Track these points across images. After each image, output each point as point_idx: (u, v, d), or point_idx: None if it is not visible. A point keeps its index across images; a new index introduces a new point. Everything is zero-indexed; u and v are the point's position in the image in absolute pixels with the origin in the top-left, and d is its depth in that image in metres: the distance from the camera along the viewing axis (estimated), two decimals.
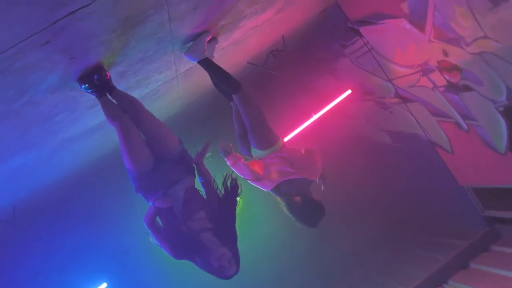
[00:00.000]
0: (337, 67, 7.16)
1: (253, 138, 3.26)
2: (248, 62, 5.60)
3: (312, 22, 5.98)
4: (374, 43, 5.77)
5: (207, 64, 3.23)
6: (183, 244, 2.63)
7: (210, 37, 3.27)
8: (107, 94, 2.79)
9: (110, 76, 2.75)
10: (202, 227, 2.66)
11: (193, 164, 2.96)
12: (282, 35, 5.50)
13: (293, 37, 6.00)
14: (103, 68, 2.66)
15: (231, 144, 3.29)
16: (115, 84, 2.81)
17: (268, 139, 3.26)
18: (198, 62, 3.23)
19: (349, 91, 6.90)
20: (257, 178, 3.14)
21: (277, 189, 3.22)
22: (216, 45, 3.56)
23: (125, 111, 2.78)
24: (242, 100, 3.20)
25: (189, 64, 3.90)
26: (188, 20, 2.83)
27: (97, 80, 2.66)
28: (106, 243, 6.52)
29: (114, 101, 2.83)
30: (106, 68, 2.69)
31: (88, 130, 3.75)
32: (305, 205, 3.17)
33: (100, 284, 6.42)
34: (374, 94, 6.71)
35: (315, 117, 6.53)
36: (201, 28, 3.16)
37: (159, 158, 2.79)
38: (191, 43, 3.22)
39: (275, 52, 5.99)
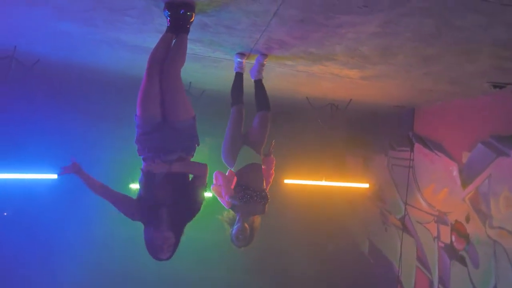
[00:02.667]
0: (373, 158, 7.11)
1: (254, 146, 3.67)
2: (307, 98, 5.60)
3: (383, 106, 5.96)
4: (417, 163, 5.72)
5: (261, 84, 3.81)
6: (142, 207, 2.62)
7: (266, 60, 3.63)
8: (176, 33, 2.77)
9: (193, 20, 2.76)
10: (165, 203, 2.63)
11: (196, 145, 2.89)
12: (351, 99, 5.50)
13: (358, 106, 5.99)
14: (193, 9, 2.66)
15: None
16: (190, 33, 2.80)
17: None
18: (254, 81, 3.81)
19: (367, 185, 6.86)
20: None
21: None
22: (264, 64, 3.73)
23: (166, 58, 2.74)
24: (263, 117, 3.78)
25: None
26: (289, 26, 2.83)
27: (181, 15, 2.66)
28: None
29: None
30: (195, 10, 2.69)
31: (141, 48, 3.77)
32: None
33: (51, 175, 6.42)
34: (384, 204, 6.64)
35: (323, 182, 6.48)
36: (293, 41, 3.16)
37: (165, 121, 2.74)
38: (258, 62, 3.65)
39: (334, 107, 5.98)
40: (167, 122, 2.73)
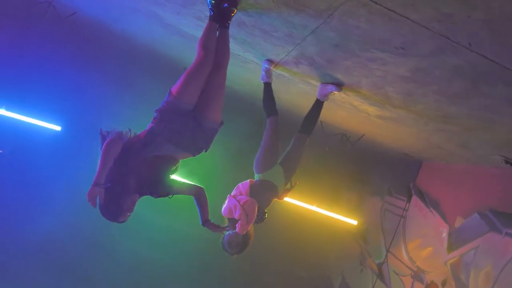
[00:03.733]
0: (369, 198, 7.08)
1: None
2: (321, 121, 5.60)
3: (392, 151, 5.94)
4: (410, 215, 5.69)
5: (320, 105, 3.75)
6: (116, 172, 2.53)
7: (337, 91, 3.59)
8: (219, 23, 2.79)
9: (234, 15, 2.77)
10: (137, 173, 2.59)
11: (204, 151, 2.86)
12: (363, 135, 5.49)
13: (368, 143, 5.97)
14: (236, 4, 2.68)
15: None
16: (231, 24, 2.81)
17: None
18: (317, 99, 3.75)
19: (355, 222, 6.84)
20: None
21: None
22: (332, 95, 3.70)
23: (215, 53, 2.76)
24: (300, 139, 3.77)
25: (285, 72, 3.93)
26: (323, 46, 2.84)
27: (223, 8, 2.68)
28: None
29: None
30: (238, 6, 2.71)
31: (174, 28, 3.80)
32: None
33: (55, 125, 6.48)
34: (367, 245, 6.59)
35: (313, 208, 6.46)
36: (323, 62, 3.17)
37: (194, 113, 2.71)
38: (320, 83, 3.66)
39: (345, 138, 5.97)
40: (196, 115, 2.70)
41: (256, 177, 3.63)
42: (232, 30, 3.18)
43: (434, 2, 1.75)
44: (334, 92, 3.58)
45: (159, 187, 2.70)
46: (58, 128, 6.50)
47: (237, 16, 2.84)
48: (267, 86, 3.86)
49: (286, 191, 3.78)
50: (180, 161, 2.81)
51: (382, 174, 6.92)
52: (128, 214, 2.64)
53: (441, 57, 2.23)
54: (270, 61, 3.69)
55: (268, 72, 3.79)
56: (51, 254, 6.55)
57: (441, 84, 2.62)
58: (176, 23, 3.61)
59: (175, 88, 2.66)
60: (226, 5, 2.67)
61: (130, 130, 2.65)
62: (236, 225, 3.28)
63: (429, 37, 2.06)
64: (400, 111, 3.63)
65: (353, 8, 2.08)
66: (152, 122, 2.69)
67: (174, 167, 2.77)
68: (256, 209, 3.31)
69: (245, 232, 3.29)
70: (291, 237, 7.36)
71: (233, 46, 3.70)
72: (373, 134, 5.30)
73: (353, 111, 4.35)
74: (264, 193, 3.50)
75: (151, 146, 2.61)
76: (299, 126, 3.82)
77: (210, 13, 2.75)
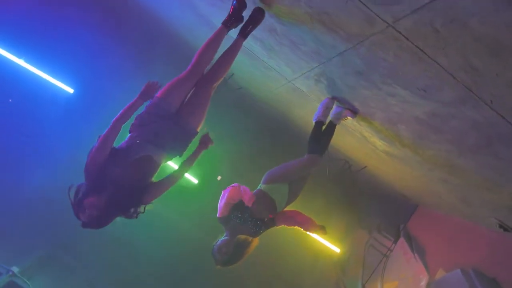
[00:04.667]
0: (356, 230, 7.04)
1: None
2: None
3: (390, 188, 5.91)
4: (393, 256, 5.64)
5: (332, 129, 3.61)
6: (100, 164, 2.50)
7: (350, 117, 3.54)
8: (239, 32, 2.81)
9: (258, 21, 2.78)
10: (118, 181, 2.51)
11: (179, 155, 2.80)
12: (366, 166, 5.47)
13: (368, 175, 5.95)
14: (262, 14, 2.72)
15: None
16: (257, 30, 2.84)
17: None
18: (330, 121, 3.62)
19: (338, 250, 6.80)
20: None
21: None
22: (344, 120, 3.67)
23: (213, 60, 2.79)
24: (311, 160, 3.46)
25: (304, 87, 3.92)
26: (346, 71, 2.84)
27: (250, 18, 2.75)
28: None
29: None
30: (267, 9, 2.73)
31: (206, 19, 3.81)
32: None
33: (69, 87, 6.52)
34: (344, 276, 6.55)
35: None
36: (343, 86, 3.17)
37: (176, 117, 2.69)
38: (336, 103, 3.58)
39: (347, 165, 5.95)
40: (178, 119, 2.68)
41: (258, 186, 3.41)
42: (262, 34, 3.19)
43: (466, 51, 1.74)
44: (348, 117, 3.56)
45: (137, 193, 2.60)
46: (70, 90, 6.54)
47: (271, 22, 2.85)
48: (318, 125, 3.58)
49: (319, 230, 3.58)
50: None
51: (375, 209, 6.87)
52: (84, 216, 2.52)
53: (461, 108, 2.21)
54: (333, 100, 3.50)
55: (326, 110, 3.55)
56: (38, 211, 6.52)
57: (455, 134, 2.60)
58: (209, 15, 3.62)
59: (162, 92, 2.67)
60: (255, 12, 2.74)
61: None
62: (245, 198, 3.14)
63: (453, 85, 2.05)
64: (408, 151, 3.61)
65: (384, 40, 2.07)
66: (129, 131, 2.64)
67: (155, 170, 2.69)
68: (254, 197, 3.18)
69: (253, 203, 3.13)
70: (272, 251, 7.30)
71: (259, 51, 3.71)
72: (375, 168, 5.27)
73: (361, 141, 4.33)
74: (264, 205, 3.27)
75: (132, 149, 2.55)
76: (309, 147, 3.57)
77: (230, 11, 2.76)
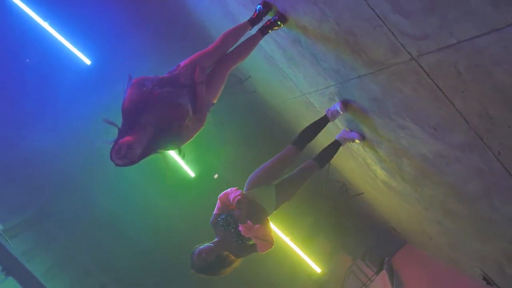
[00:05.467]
0: (341, 254, 7.00)
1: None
2: (330, 163, 5.57)
3: (382, 220, 5.89)
4: (372, 286, 5.61)
5: (337, 146, 3.54)
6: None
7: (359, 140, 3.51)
8: (259, 29, 2.94)
9: (276, 29, 2.93)
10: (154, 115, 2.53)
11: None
12: (363, 193, 5.45)
13: (363, 202, 5.93)
14: (285, 22, 2.87)
15: None
16: (281, 38, 2.93)
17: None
18: (336, 140, 3.57)
19: (319, 270, 6.76)
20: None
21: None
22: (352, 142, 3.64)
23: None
24: (310, 168, 3.32)
25: (317, 104, 3.92)
26: (361, 94, 2.83)
27: (271, 21, 2.90)
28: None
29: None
30: (286, 22, 2.87)
31: (232, 16, 3.84)
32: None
33: (87, 59, 6.57)
34: None
35: (286, 239, 6.40)
36: (356, 109, 3.16)
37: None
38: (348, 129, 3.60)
39: (345, 189, 5.93)
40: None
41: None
42: (286, 43, 3.20)
43: (484, 98, 1.73)
44: (356, 140, 3.51)
45: (170, 135, 2.58)
46: (88, 62, 6.57)
47: (297, 33, 2.86)
48: (324, 120, 3.43)
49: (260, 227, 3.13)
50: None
51: (363, 237, 6.84)
52: (118, 157, 2.44)
53: (468, 153, 2.20)
54: (345, 105, 3.29)
55: (336, 113, 3.36)
56: (34, 174, 6.53)
57: (457, 179, 2.58)
58: (238, 13, 3.64)
59: (185, 63, 2.75)
60: (276, 18, 2.89)
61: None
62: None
63: (464, 130, 2.04)
64: (407, 186, 3.59)
65: (405, 72, 2.07)
66: (175, 69, 2.72)
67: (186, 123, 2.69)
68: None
69: (238, 201, 2.91)
70: (249, 262, 7.25)
71: (280, 58, 3.72)
72: (371, 196, 5.25)
73: (363, 167, 4.32)
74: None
75: (175, 92, 2.61)
76: (296, 137, 3.41)
77: (253, 15, 2.94)
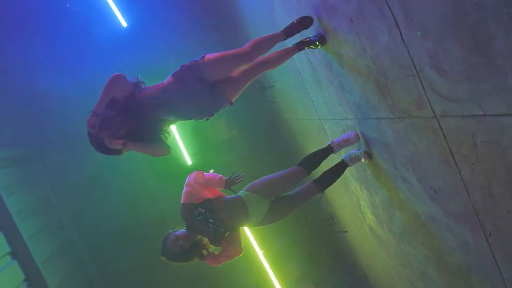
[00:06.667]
0: (308, 284, 6.96)
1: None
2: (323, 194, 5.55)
3: (358, 263, 5.84)
4: None
5: (342, 168, 3.31)
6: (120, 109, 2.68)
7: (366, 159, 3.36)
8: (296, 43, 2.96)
9: (312, 48, 2.94)
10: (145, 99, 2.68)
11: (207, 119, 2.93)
12: (347, 231, 5.42)
13: (345, 240, 5.89)
14: (323, 43, 2.89)
15: None
16: (315, 59, 2.89)
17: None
18: (342, 161, 3.32)
19: None
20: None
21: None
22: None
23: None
24: (310, 190, 3.20)
25: (329, 132, 3.91)
26: (374, 136, 2.83)
27: (310, 39, 2.92)
28: None
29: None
30: (324, 45, 2.89)
31: (273, 21, 3.86)
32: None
33: (124, 21, 6.61)
34: None
35: (259, 252, 6.36)
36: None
37: (213, 86, 2.78)
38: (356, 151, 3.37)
39: (331, 221, 5.90)
40: (214, 87, 2.76)
41: (240, 192, 3.13)
42: (318, 64, 3.21)
43: (492, 176, 1.72)
44: (363, 160, 3.24)
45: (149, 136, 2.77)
46: (124, 24, 6.61)
47: (331, 58, 2.86)
48: (328, 150, 3.28)
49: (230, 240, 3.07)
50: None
51: (334, 273, 6.79)
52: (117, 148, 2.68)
53: (460, 225, 2.18)
54: (358, 137, 3.20)
55: (346, 143, 3.25)
56: (37, 114, 6.51)
57: (442, 246, 2.56)
58: (280, 22, 3.65)
59: (209, 57, 2.72)
60: (314, 38, 2.91)
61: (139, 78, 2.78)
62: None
63: (463, 201, 2.02)
64: (391, 238, 3.57)
65: (424, 127, 2.06)
66: (171, 75, 2.74)
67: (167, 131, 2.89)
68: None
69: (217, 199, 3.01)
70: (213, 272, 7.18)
71: (307, 78, 3.72)
72: (354, 237, 5.22)
73: (355, 207, 4.30)
74: (227, 210, 3.01)
75: (160, 107, 2.69)
76: (302, 160, 3.28)
77: (291, 25, 2.92)
